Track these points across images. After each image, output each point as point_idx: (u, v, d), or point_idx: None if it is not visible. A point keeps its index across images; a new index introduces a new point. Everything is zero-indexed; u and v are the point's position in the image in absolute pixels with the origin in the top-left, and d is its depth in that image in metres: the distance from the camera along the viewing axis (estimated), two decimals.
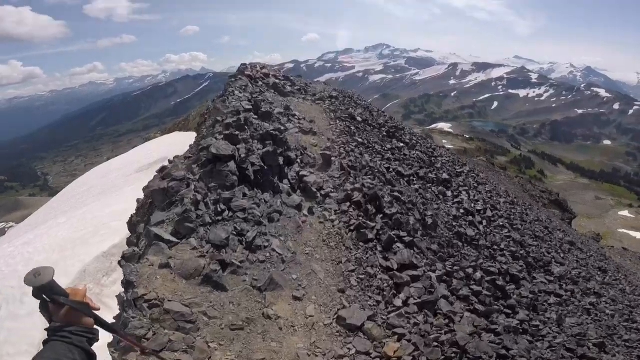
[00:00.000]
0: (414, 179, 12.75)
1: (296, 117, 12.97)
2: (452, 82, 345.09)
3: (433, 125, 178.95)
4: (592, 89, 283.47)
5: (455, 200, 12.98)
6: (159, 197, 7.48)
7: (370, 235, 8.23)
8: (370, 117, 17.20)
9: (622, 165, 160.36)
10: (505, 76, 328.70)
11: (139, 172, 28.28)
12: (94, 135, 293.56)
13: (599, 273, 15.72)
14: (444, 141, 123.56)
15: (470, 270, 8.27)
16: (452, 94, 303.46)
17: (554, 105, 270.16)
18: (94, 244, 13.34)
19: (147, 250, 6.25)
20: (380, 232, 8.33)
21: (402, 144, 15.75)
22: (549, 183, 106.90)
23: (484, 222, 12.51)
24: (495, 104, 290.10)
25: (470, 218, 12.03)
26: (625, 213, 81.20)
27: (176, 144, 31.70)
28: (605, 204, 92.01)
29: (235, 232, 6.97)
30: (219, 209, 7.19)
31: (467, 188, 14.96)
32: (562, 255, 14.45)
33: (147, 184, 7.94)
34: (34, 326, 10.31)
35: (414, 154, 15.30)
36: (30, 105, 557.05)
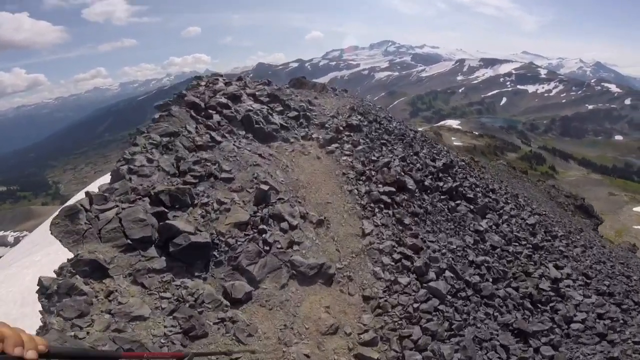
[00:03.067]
0: None
1: (286, 218, 6.62)
2: (459, 78, 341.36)
3: (441, 122, 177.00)
4: (602, 84, 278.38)
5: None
6: None
7: None
8: (419, 163, 11.54)
9: (635, 160, 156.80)
10: (514, 72, 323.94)
11: None
12: (102, 141, 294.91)
13: None
14: (452, 138, 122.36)
15: None
16: (460, 91, 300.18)
17: (563, 101, 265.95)
18: None
19: None
20: None
21: (480, 224, 10.50)
22: (560, 179, 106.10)
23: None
24: (504, 100, 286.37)
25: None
26: (639, 209, 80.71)
27: None
28: (619, 199, 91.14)
29: None
30: None
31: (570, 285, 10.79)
32: None
33: None
34: None
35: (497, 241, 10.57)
36: (37, 112, 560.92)
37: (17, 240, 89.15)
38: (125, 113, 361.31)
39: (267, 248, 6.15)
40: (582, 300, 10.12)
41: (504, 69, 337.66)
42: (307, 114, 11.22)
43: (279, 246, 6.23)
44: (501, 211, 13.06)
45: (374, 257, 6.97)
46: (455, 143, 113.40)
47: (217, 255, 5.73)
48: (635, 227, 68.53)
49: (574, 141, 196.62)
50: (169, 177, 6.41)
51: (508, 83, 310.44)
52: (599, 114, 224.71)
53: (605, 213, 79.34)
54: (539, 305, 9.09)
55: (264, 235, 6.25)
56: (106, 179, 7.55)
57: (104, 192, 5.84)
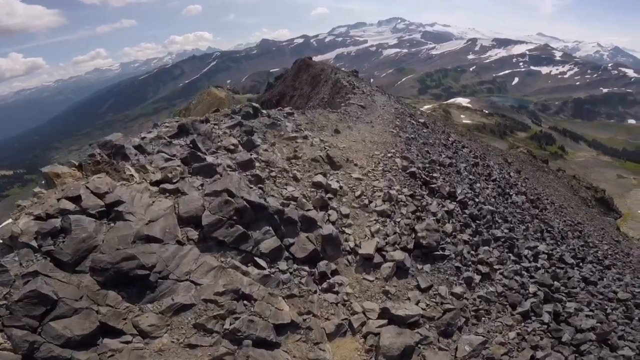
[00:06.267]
0: None
1: None
2: (470, 57, 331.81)
3: (450, 100, 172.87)
4: (619, 68, 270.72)
5: None
6: None
7: None
8: None
9: None
10: (527, 53, 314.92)
11: None
12: (105, 122, 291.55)
13: None
14: (462, 116, 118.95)
15: None
16: (471, 69, 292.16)
17: (577, 84, 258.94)
18: None
19: None
20: None
21: None
22: (569, 160, 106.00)
23: None
24: (516, 79, 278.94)
25: None
26: None
27: None
28: (628, 182, 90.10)
29: None
30: None
31: None
32: None
33: None
34: None
35: None
36: (38, 96, 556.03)
37: None
38: (127, 92, 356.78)
39: None
40: None
41: (517, 49, 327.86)
42: (332, 233, 5.58)
43: None
44: (602, 301, 10.13)
45: None
46: (464, 121, 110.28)
47: None
48: None
49: (585, 123, 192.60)
50: None
51: (521, 64, 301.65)
52: (613, 98, 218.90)
53: (612, 196, 76.50)
54: None
55: None
56: None
57: None
